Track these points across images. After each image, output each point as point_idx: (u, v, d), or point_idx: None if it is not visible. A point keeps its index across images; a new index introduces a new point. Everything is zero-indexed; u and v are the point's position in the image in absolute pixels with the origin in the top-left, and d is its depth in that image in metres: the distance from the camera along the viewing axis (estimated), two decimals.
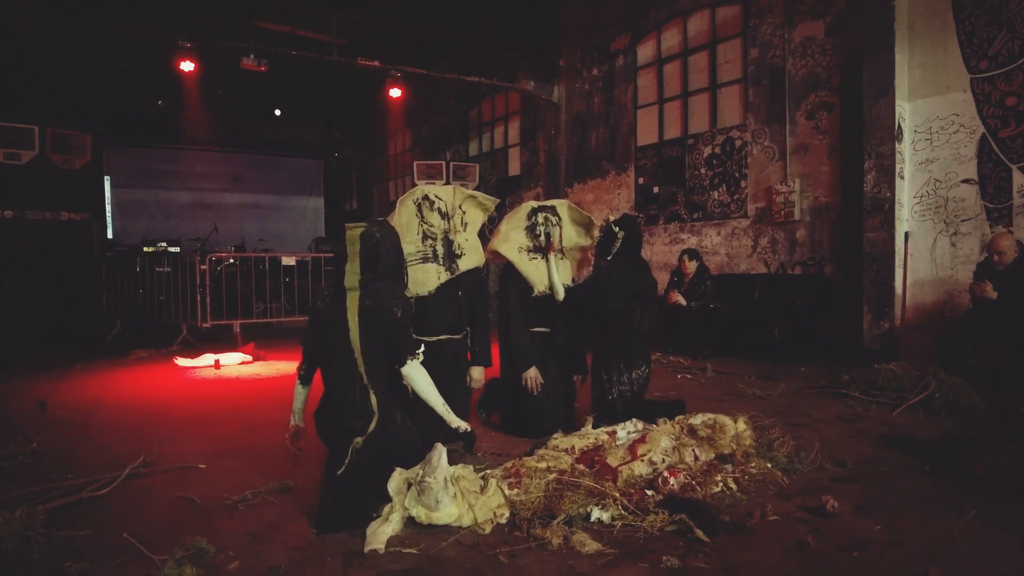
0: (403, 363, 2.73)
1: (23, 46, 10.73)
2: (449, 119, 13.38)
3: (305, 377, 2.95)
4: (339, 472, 2.60)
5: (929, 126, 6.16)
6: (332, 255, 10.15)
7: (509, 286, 3.99)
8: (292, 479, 3.09)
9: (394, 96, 9.81)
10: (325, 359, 2.80)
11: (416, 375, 2.77)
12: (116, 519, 2.68)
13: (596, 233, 4.19)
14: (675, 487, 2.72)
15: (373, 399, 2.66)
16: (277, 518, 2.69)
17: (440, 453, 2.61)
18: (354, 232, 2.80)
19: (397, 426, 2.69)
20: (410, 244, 3.51)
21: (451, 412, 2.83)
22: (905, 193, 6.29)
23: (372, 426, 2.64)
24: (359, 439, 2.62)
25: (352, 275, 2.76)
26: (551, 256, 3.98)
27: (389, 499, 2.60)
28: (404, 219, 3.56)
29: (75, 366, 6.74)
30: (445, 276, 3.64)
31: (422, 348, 2.85)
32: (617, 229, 3.93)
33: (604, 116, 9.76)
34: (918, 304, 6.21)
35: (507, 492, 2.66)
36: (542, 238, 3.99)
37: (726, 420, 3.27)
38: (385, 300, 2.73)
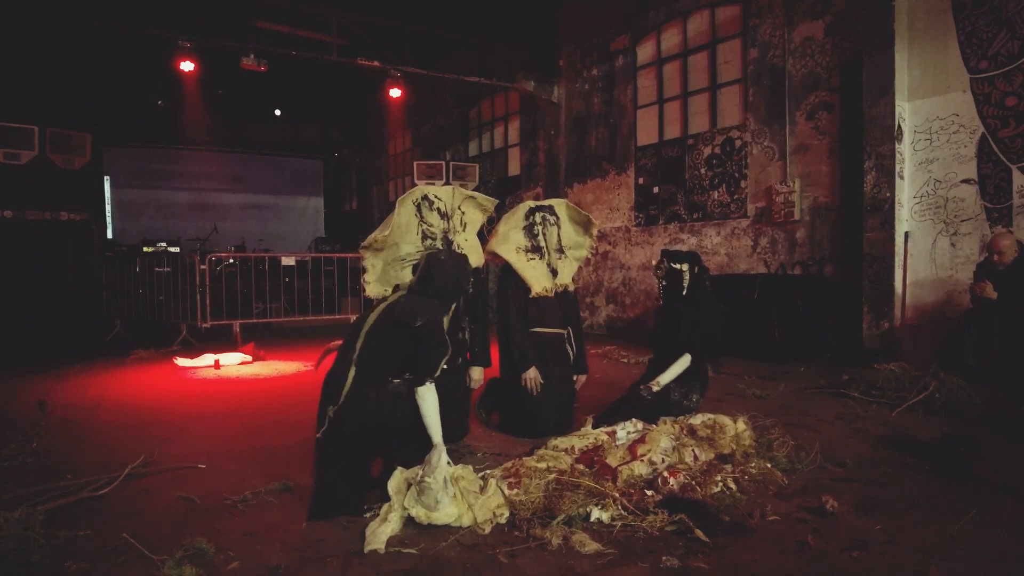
0: (421, 383, 2.81)
1: (23, 46, 10.73)
2: (449, 119, 13.38)
3: None
4: (318, 435, 2.76)
5: (929, 126, 6.16)
6: (332, 256, 10.21)
7: (507, 286, 3.98)
8: (292, 479, 3.09)
9: (394, 96, 9.81)
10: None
11: (428, 399, 2.82)
12: (116, 519, 2.68)
13: (595, 232, 4.19)
14: (675, 487, 2.72)
15: (351, 375, 2.77)
16: (277, 518, 2.69)
17: (440, 453, 2.61)
18: (428, 252, 3.25)
19: (371, 403, 2.76)
20: (409, 244, 3.51)
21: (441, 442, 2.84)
22: (905, 193, 6.29)
23: (343, 397, 2.74)
24: (332, 408, 2.74)
25: (408, 281, 3.16)
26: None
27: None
28: (403, 219, 3.56)
29: (75, 366, 6.73)
30: None
31: (437, 372, 2.90)
32: (678, 266, 3.92)
33: (604, 116, 9.76)
34: (918, 304, 6.21)
35: (507, 492, 2.66)
36: (540, 238, 3.99)
37: (726, 420, 3.27)
38: (414, 307, 2.90)
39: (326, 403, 2.79)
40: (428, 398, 2.82)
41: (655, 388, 3.74)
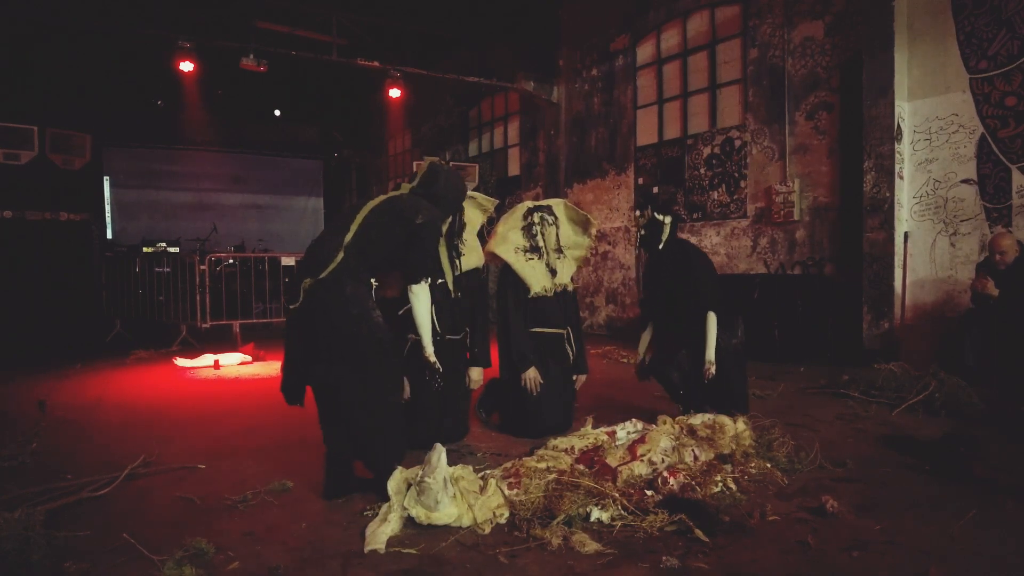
0: (416, 281, 2.85)
1: (23, 46, 10.72)
2: (449, 119, 13.37)
3: None
4: (291, 307, 2.81)
5: (928, 126, 6.16)
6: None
7: (507, 287, 3.98)
8: (292, 479, 3.09)
9: (394, 96, 9.81)
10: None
11: (421, 296, 2.87)
12: (116, 519, 2.68)
13: (594, 232, 4.18)
14: (675, 487, 2.72)
15: (338, 258, 2.76)
16: (277, 518, 2.69)
17: (439, 453, 2.61)
18: (431, 162, 3.21)
19: (345, 294, 2.74)
20: None
21: (432, 345, 2.94)
22: (905, 193, 6.29)
23: (322, 274, 2.75)
24: (308, 280, 2.77)
25: (407, 187, 3.13)
26: None
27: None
28: None
29: (75, 366, 6.73)
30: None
31: (441, 280, 2.97)
32: (661, 216, 3.96)
33: (604, 116, 9.76)
34: (918, 304, 6.21)
35: (507, 492, 2.66)
36: (539, 238, 3.99)
37: (726, 420, 3.27)
38: (416, 205, 2.91)
39: (305, 274, 2.79)
40: (421, 296, 2.87)
41: (713, 369, 3.68)
